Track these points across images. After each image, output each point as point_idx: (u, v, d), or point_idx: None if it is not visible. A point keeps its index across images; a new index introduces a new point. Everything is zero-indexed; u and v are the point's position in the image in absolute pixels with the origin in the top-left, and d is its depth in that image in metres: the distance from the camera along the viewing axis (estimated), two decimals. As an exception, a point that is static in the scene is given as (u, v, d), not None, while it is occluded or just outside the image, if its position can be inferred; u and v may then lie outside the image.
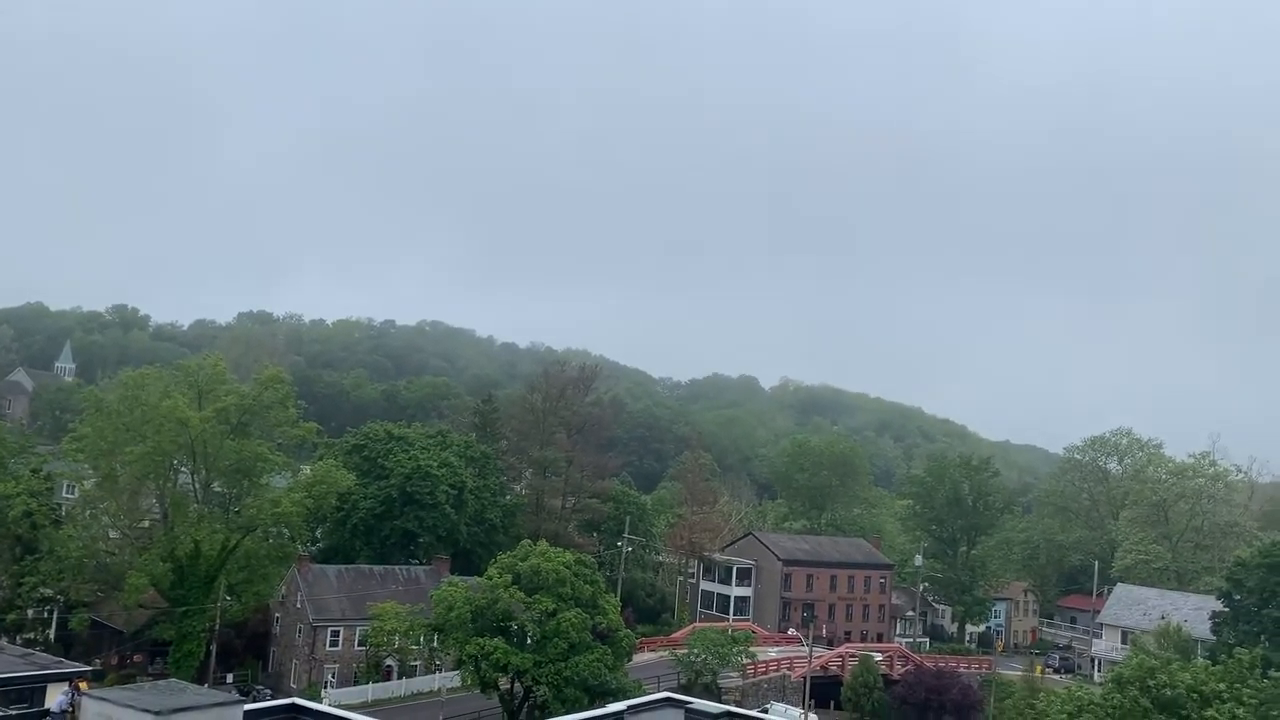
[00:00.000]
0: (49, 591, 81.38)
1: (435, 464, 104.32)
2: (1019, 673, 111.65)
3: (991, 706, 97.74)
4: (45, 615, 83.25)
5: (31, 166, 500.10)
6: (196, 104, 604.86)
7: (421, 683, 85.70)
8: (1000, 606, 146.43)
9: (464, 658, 68.37)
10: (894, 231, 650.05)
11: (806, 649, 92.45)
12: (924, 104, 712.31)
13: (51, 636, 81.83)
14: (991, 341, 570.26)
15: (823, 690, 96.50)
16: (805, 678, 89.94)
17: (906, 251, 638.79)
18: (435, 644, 77.24)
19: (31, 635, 79.47)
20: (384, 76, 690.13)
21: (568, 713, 49.68)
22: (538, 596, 68.17)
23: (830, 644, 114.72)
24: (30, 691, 43.88)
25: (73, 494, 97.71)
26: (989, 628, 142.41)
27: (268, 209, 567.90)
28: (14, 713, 34.82)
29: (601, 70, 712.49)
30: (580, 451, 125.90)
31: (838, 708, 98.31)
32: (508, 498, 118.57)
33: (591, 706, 57.55)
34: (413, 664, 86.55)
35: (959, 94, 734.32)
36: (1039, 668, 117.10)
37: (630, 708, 32.45)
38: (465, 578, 79.81)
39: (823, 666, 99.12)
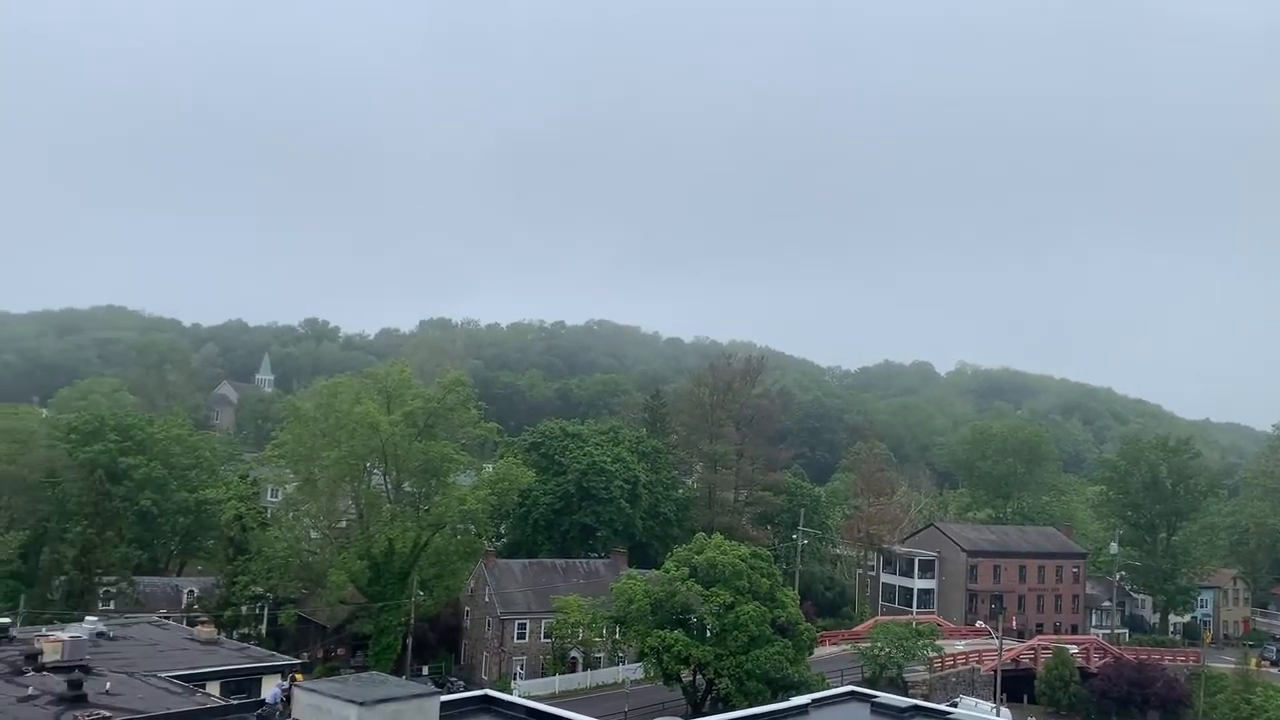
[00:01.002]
0: (260, 589, 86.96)
1: (609, 459, 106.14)
2: (1231, 666, 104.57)
3: (1201, 701, 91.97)
4: (257, 611, 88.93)
5: (227, 195, 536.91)
6: (374, 125, 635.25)
7: (606, 674, 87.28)
8: (1207, 595, 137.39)
9: (645, 650, 69.30)
10: (1070, 204, 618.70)
11: (996, 642, 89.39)
12: (1101, 70, 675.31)
13: (263, 631, 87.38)
14: (1184, 315, 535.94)
15: (1014, 684, 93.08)
16: (996, 671, 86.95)
17: (1087, 224, 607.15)
18: (617, 636, 78.58)
19: (246, 630, 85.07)
20: (545, 88, 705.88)
21: (750, 706, 49.72)
22: (715, 589, 68.40)
23: (1021, 636, 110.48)
24: (248, 683, 47.18)
25: (277, 497, 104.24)
26: (1195, 618, 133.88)
27: (443, 222, 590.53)
28: (234, 702, 37.47)
29: (758, 67, 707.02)
30: (750, 444, 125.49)
31: (1031, 701, 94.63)
32: (680, 491, 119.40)
33: (774, 699, 57.35)
34: (596, 656, 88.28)
35: (1137, 54, 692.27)
36: (1254, 660, 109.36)
37: (814, 701, 32.19)
38: (643, 570, 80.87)
39: (1014, 660, 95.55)
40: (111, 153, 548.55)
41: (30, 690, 39.50)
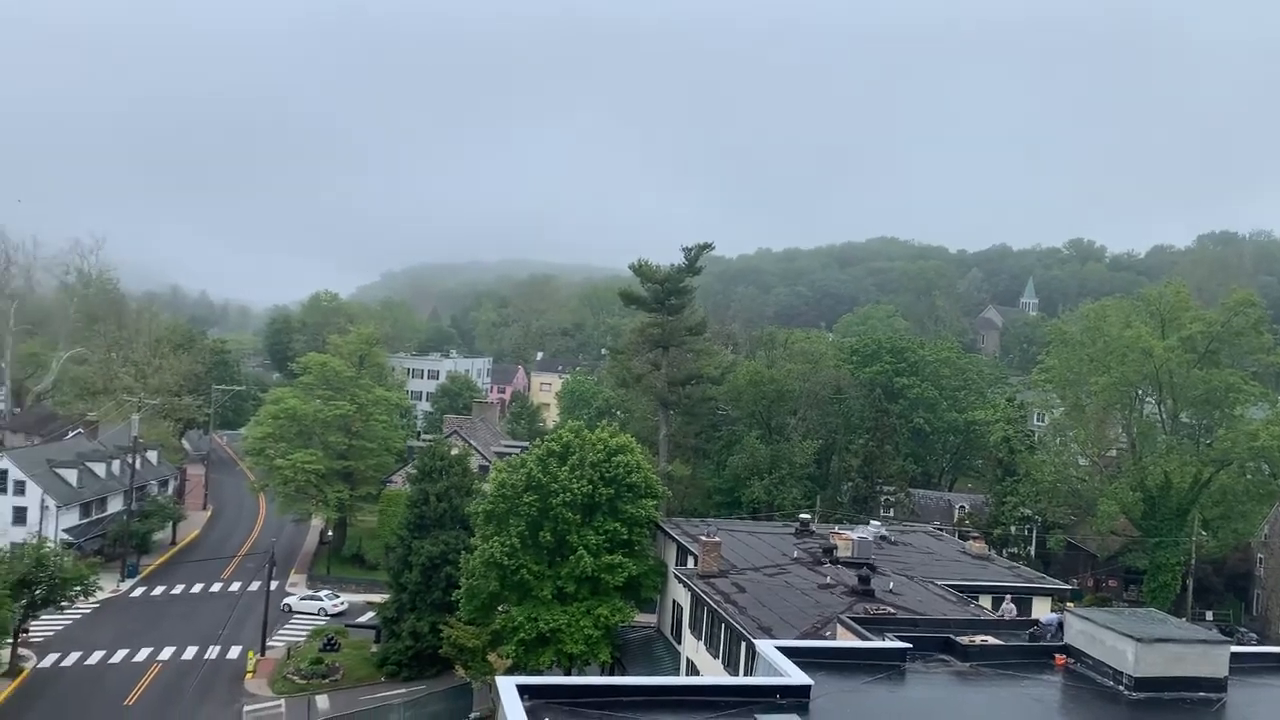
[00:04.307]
0: (1027, 511, 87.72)
1: None
2: None
3: None
4: (1025, 533, 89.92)
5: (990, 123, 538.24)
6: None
7: None
8: None
9: None
10: None
11: None
12: None
13: (1031, 553, 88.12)
14: None
15: None
16: None
17: None
18: None
19: (1014, 550, 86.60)
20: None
21: None
22: None
23: None
24: (1017, 601, 48.10)
25: (1042, 422, 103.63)
26: None
27: (1223, 124, 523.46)
28: (1007, 618, 38.50)
29: None
30: None
31: None
32: None
33: None
34: None
35: None
36: None
37: None
38: None
39: None
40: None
41: (828, 579, 45.16)
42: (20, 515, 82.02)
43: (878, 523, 63.78)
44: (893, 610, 37.60)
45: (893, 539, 58.39)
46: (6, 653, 61.04)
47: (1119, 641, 23.37)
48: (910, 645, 24.64)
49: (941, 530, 71.46)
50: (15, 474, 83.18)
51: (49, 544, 68.25)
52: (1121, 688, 22.91)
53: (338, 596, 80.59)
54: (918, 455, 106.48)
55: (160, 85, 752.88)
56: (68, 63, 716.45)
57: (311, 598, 79.78)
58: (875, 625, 30.22)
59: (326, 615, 77.36)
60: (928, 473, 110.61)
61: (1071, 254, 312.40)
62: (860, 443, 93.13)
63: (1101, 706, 22.44)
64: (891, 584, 43.76)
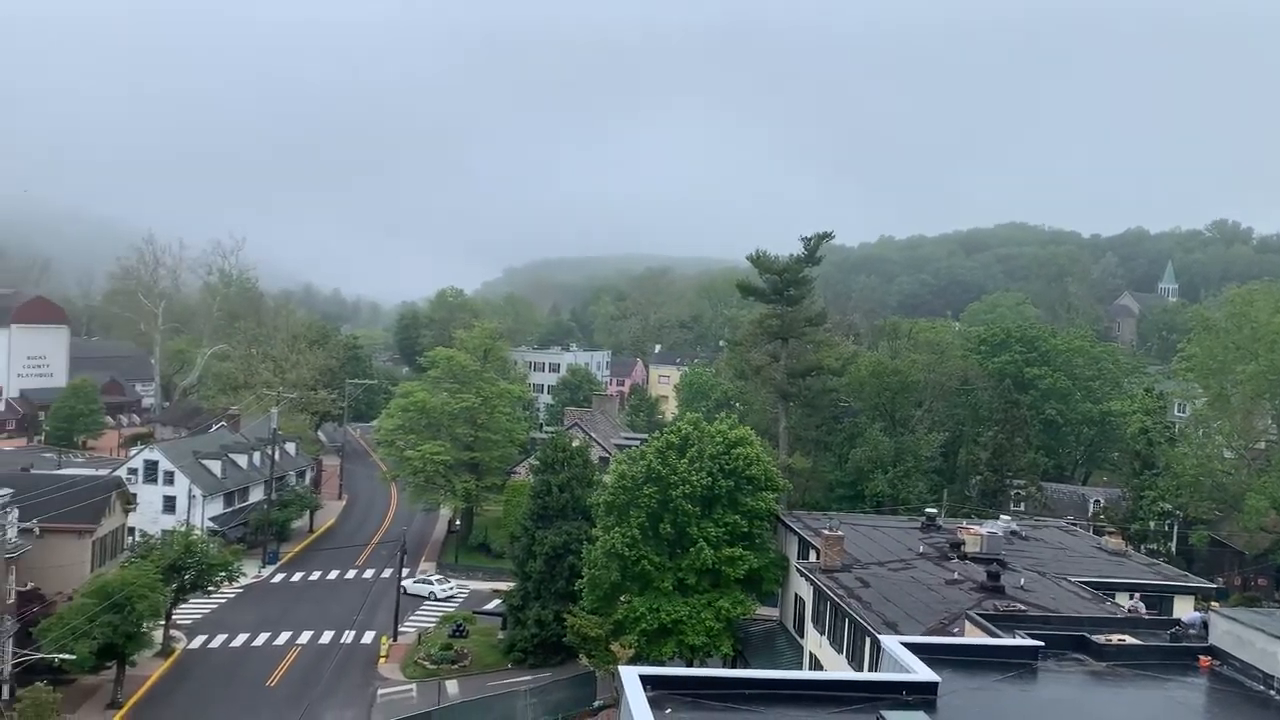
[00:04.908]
0: (1167, 506, 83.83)
1: None
2: None
3: None
4: (1165, 529, 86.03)
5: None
6: None
7: None
8: None
9: None
10: None
11: None
12: None
13: (1172, 550, 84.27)
14: None
15: None
16: None
17: None
18: None
19: (1154, 546, 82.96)
20: None
21: None
22: None
23: None
24: (1157, 600, 46.20)
25: (1184, 413, 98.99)
26: None
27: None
28: (1146, 616, 37.02)
29: None
30: None
31: None
32: None
33: None
34: None
35: None
36: None
37: None
38: None
39: None
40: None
41: (955, 575, 44.16)
42: (170, 504, 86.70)
43: (1007, 517, 62.08)
44: (1024, 607, 36.56)
45: (1023, 534, 56.76)
46: (160, 634, 64.56)
47: (1270, 644, 22.24)
48: (1042, 643, 23.96)
49: (1075, 525, 69.01)
50: (165, 465, 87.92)
51: (196, 531, 71.89)
52: (1273, 692, 21.80)
53: (447, 581, 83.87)
54: (1049, 448, 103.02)
55: (284, 88, 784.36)
56: (205, 64, 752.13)
57: (423, 582, 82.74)
58: (1005, 622, 29.49)
59: (435, 599, 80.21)
60: (1060, 466, 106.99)
61: (1215, 236, 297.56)
62: (989, 435, 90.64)
63: (1251, 711, 21.40)
64: (1022, 580, 42.54)
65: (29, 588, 59.03)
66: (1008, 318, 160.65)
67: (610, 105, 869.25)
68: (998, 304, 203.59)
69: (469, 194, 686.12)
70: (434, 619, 74.92)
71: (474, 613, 74.95)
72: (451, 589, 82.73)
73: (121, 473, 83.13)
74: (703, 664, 53.06)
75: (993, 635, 26.94)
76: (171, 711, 57.16)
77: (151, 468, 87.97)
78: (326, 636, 70.18)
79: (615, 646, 56.91)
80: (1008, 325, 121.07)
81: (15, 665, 51.64)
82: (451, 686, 61.95)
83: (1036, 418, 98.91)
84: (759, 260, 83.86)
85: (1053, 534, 59.31)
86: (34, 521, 53.88)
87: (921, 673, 20.52)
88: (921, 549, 50.24)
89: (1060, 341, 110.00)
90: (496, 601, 73.95)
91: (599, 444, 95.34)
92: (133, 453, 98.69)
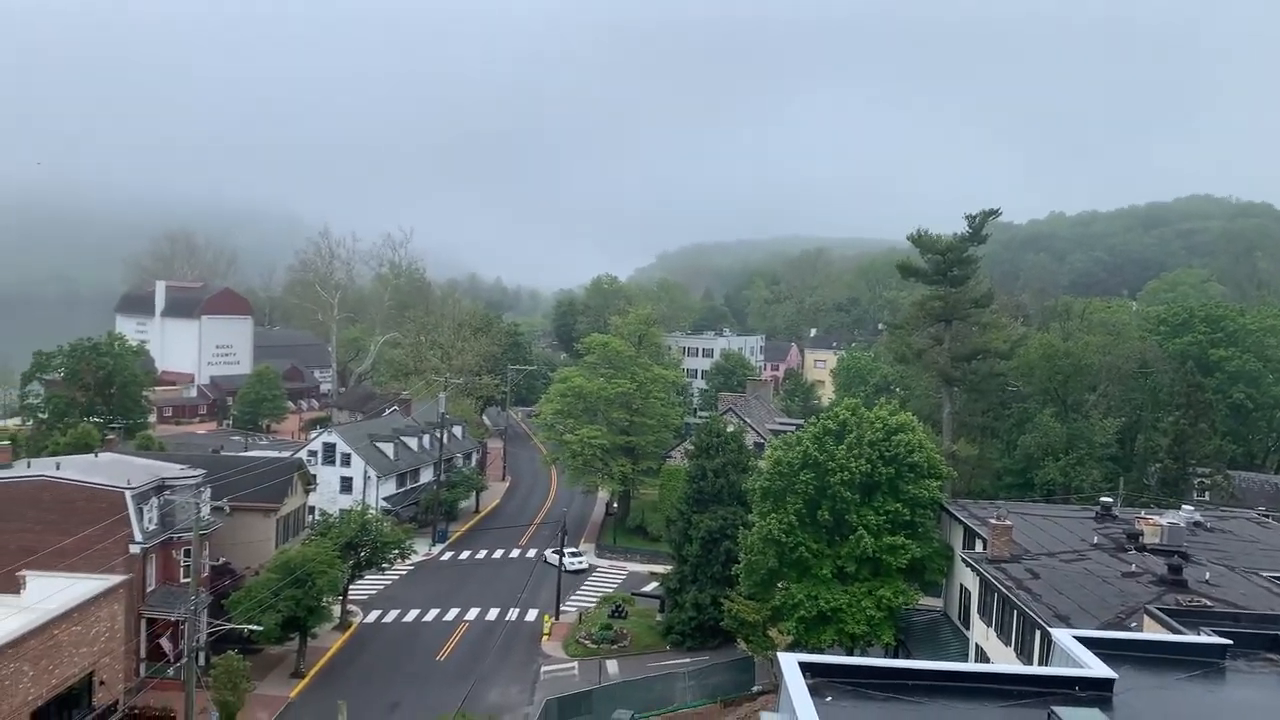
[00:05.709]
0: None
1: None
2: None
3: None
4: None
5: None
6: None
7: None
8: None
9: None
10: None
11: None
12: None
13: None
14: None
15: None
16: None
17: None
18: None
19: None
20: None
21: None
22: None
23: None
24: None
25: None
26: None
27: None
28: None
29: None
30: None
31: None
32: None
33: None
34: None
35: None
36: None
37: None
38: None
39: None
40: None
41: (1133, 567, 42.05)
42: (346, 484, 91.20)
43: (1190, 507, 58.57)
44: (1209, 603, 34.50)
45: (1208, 525, 53.50)
46: (338, 608, 68.09)
47: None
48: (1231, 641, 22.57)
49: (1268, 516, 64.56)
50: (342, 447, 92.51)
51: (371, 511, 75.35)
52: None
53: (579, 556, 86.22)
54: (1238, 434, 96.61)
55: (446, 83, 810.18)
56: (375, 66, 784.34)
57: (557, 553, 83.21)
58: (1189, 618, 27.94)
59: (567, 570, 79.31)
60: (1250, 453, 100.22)
61: None
62: (1169, 420, 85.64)
63: None
64: (1208, 574, 40.11)
65: (220, 562, 63.34)
66: (1190, 296, 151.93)
67: (764, 88, 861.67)
68: (1179, 281, 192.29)
69: (624, 181, 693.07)
70: (594, 599, 76.38)
71: (633, 594, 75.97)
72: (583, 563, 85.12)
73: (302, 455, 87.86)
74: (863, 653, 52.24)
75: (1174, 631, 25.55)
76: (350, 682, 60.22)
77: (330, 450, 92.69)
78: (492, 613, 72.53)
79: (773, 632, 56.68)
80: (1190, 304, 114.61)
81: (209, 635, 55.38)
82: (611, 666, 63.06)
83: (1223, 402, 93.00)
84: (920, 240, 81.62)
85: (1242, 525, 55.69)
86: (224, 500, 57.58)
87: (1096, 668, 19.64)
88: (1096, 540, 48.05)
89: (1250, 321, 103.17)
90: (654, 584, 74.76)
91: (754, 429, 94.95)
92: (312, 436, 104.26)
